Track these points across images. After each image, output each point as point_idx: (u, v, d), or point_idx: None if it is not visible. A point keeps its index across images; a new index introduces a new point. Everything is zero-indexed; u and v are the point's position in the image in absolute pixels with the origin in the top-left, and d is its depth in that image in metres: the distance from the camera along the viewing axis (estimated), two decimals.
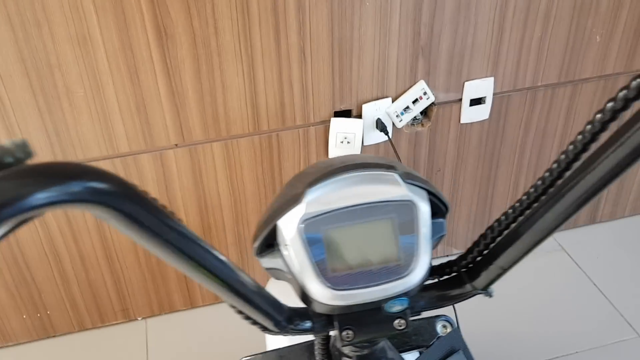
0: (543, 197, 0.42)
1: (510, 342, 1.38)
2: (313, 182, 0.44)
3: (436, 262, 0.51)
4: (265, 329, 0.47)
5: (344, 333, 0.47)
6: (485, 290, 0.48)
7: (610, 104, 0.35)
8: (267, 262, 0.46)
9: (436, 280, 0.51)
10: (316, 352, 0.69)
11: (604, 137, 0.38)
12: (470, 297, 0.50)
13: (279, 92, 1.23)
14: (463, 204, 1.54)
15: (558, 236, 1.66)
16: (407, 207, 0.44)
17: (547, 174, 0.42)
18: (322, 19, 1.17)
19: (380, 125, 1.32)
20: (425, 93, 1.32)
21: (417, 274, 0.44)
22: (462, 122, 1.39)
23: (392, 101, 1.31)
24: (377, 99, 1.30)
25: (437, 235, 0.47)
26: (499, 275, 0.46)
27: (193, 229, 1.37)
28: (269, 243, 0.47)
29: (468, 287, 0.49)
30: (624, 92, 0.34)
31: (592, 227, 1.69)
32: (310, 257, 0.43)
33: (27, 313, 1.37)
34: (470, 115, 1.38)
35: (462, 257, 0.49)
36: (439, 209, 0.48)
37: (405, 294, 0.45)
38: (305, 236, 0.43)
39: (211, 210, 1.35)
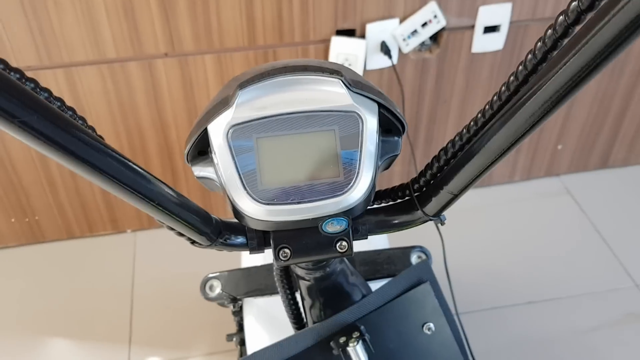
0: (494, 119, 0.36)
1: (500, 281, 1.36)
2: (245, 83, 0.38)
3: (388, 187, 0.47)
4: (194, 242, 0.43)
5: (281, 252, 0.43)
6: (437, 217, 0.44)
7: (561, 17, 0.31)
8: (199, 170, 0.42)
9: (385, 204, 0.46)
10: (275, 275, 0.66)
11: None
12: (420, 223, 0.45)
13: (276, 3, 1.15)
14: None
15: (565, 178, 1.59)
16: (351, 119, 0.39)
17: (495, 98, 0.37)
18: None
19: (385, 49, 1.23)
20: (435, 16, 1.22)
21: (357, 194, 0.39)
22: (473, 51, 1.30)
23: (400, 23, 1.22)
24: (384, 19, 1.21)
25: (388, 154, 0.42)
26: (449, 202, 0.41)
27: (182, 144, 1.33)
28: (202, 150, 0.42)
29: (418, 213, 0.44)
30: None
31: (603, 172, 1.62)
32: (237, 167, 0.39)
33: (16, 217, 1.37)
34: (483, 44, 1.29)
35: (413, 181, 0.44)
36: (393, 126, 0.42)
37: (344, 214, 0.40)
38: (232, 143, 0.38)
39: None
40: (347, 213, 0.40)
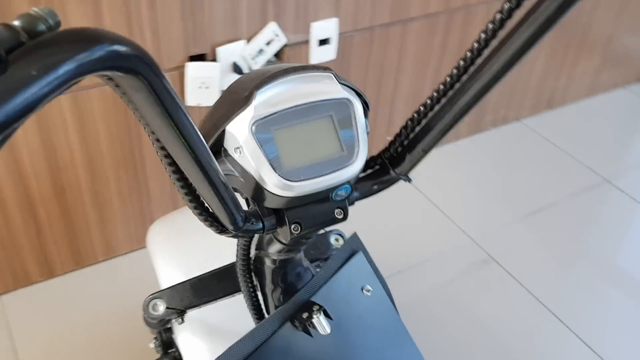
0: (457, 84, 0.49)
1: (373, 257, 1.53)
2: (259, 85, 0.46)
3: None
4: (222, 229, 0.48)
5: (293, 226, 0.50)
6: (406, 176, 0.55)
7: (498, 14, 0.45)
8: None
9: (363, 174, 0.57)
10: (239, 270, 0.71)
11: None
12: (393, 183, 0.56)
13: (128, 34, 1.17)
14: None
15: None
16: (344, 105, 0.49)
17: (454, 71, 0.50)
18: None
19: (237, 69, 1.33)
20: (277, 35, 1.35)
21: (358, 163, 0.49)
22: (312, 62, 1.45)
23: (247, 43, 1.33)
24: (231, 41, 1.31)
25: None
26: (420, 159, 0.53)
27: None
28: (215, 150, 0.48)
29: (393, 174, 0.55)
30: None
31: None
32: (265, 155, 0.46)
33: None
34: (319, 55, 1.45)
35: (386, 150, 0.55)
36: (364, 110, 0.53)
37: (348, 182, 0.50)
38: (257, 136, 0.46)
39: (64, 171, 1.26)
40: (350, 181, 0.50)
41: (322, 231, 0.87)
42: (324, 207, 0.51)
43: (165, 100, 0.35)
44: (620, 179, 1.85)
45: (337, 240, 0.92)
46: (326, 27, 1.42)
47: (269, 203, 0.49)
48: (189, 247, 1.00)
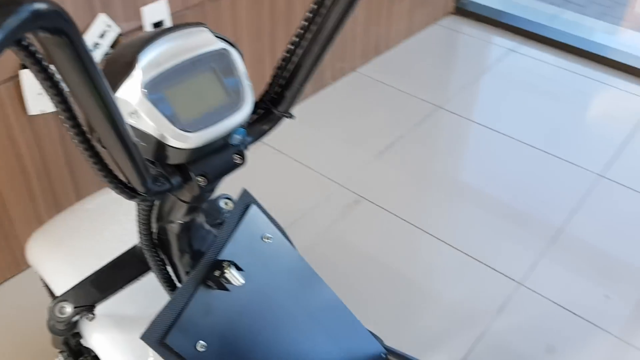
0: (317, 18, 0.55)
1: None
2: (140, 49, 0.49)
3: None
4: (132, 193, 0.51)
5: (199, 179, 0.54)
6: (289, 113, 0.61)
7: None
8: None
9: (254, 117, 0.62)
10: (143, 245, 0.73)
11: None
12: (279, 121, 0.62)
13: None
14: None
15: None
16: (223, 55, 0.53)
17: (313, 6, 0.56)
18: None
19: None
20: (109, 25, 1.32)
21: (247, 107, 0.54)
22: None
23: None
24: None
25: None
26: (297, 93, 0.59)
27: None
28: None
29: (277, 113, 0.61)
30: None
31: None
32: (162, 113, 0.49)
33: None
34: None
35: (266, 93, 0.61)
36: None
37: (241, 126, 0.54)
38: (150, 97, 0.49)
39: None
40: (243, 125, 0.55)
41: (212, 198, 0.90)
42: (223, 156, 0.55)
43: (85, 57, 0.37)
44: (449, 103, 2.09)
45: (226, 204, 0.95)
46: (157, 9, 1.42)
47: (173, 159, 0.52)
48: (75, 249, 0.99)
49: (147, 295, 0.94)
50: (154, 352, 0.85)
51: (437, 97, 2.10)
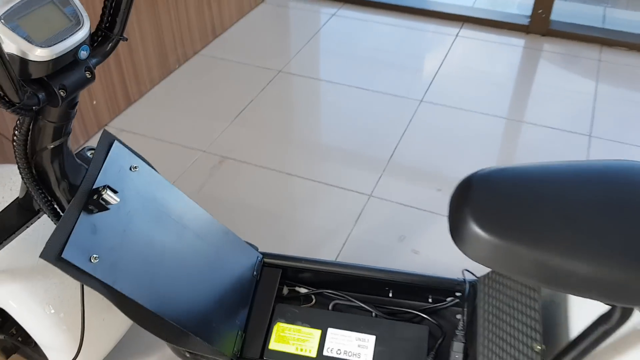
0: None
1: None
2: None
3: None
4: (8, 103, 0.65)
5: (60, 91, 0.70)
6: (122, 35, 0.78)
7: None
8: None
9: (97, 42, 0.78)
10: (25, 179, 0.85)
11: None
12: (117, 42, 0.78)
13: None
14: None
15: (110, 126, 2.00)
16: None
17: None
18: None
19: None
20: None
21: (85, 27, 0.71)
22: None
23: None
24: None
25: None
26: (126, 16, 0.76)
27: None
28: None
29: (112, 36, 0.77)
30: None
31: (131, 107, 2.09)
32: (19, 35, 0.64)
33: None
34: None
35: (101, 22, 0.77)
36: None
37: (85, 43, 0.70)
38: (8, 25, 0.63)
39: None
40: (86, 42, 0.71)
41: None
42: (76, 72, 0.71)
43: None
44: (288, 66, 2.32)
45: (92, 154, 1.09)
46: None
47: (35, 73, 0.67)
48: None
49: (37, 245, 1.06)
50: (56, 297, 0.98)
51: (277, 63, 2.33)
